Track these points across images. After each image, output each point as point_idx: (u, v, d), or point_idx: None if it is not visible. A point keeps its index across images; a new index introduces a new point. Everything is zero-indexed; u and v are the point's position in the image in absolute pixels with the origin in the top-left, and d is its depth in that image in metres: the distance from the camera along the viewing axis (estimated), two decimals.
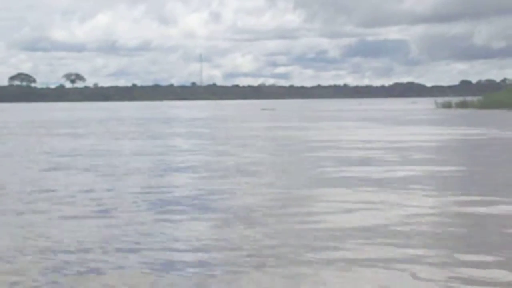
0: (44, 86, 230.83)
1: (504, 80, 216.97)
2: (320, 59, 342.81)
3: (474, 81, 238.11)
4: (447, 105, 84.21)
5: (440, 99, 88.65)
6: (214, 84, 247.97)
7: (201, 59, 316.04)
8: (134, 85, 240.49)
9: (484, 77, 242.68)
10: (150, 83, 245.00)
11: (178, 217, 11.33)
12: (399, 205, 12.30)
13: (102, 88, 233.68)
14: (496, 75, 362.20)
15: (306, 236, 9.61)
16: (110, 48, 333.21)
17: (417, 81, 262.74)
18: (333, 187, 14.92)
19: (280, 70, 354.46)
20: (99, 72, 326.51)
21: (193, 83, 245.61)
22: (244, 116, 70.29)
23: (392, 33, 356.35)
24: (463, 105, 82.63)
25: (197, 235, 9.76)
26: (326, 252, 8.63)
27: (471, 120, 50.62)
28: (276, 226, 10.41)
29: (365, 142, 28.61)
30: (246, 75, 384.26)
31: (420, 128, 40.34)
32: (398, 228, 10.11)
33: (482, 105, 79.03)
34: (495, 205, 12.21)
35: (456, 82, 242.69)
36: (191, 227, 10.46)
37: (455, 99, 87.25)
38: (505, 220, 10.85)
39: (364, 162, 20.20)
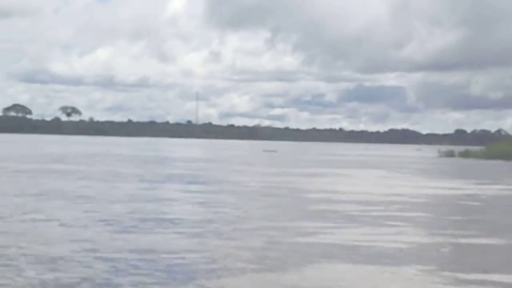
0: (39, 118, 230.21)
1: (499, 131, 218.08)
2: (316, 103, 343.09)
3: (469, 130, 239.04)
4: (450, 154, 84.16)
5: (444, 148, 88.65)
6: (210, 123, 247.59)
7: (197, 97, 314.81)
8: (129, 121, 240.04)
9: (479, 127, 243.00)
10: (146, 119, 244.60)
11: None
12: None
13: (98, 122, 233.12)
14: (491, 126, 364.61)
15: None
16: (108, 83, 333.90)
17: (412, 128, 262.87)
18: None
19: (276, 111, 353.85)
20: (95, 106, 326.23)
21: (189, 121, 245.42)
22: (248, 158, 69.85)
23: (390, 79, 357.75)
24: (465, 154, 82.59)
25: None
26: None
27: (480, 172, 50.15)
28: None
29: (391, 195, 28.05)
30: (242, 115, 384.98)
31: (439, 180, 37.62)
32: None
33: (485, 155, 79.01)
34: None
35: (451, 130, 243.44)
36: None
37: (457, 148, 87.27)
38: None
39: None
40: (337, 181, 33.82)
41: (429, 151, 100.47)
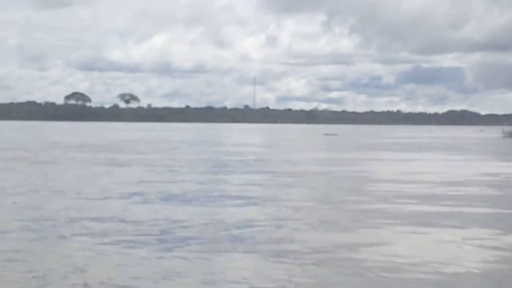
0: (98, 105, 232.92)
1: None
2: (374, 85, 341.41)
3: None
4: None
5: (507, 128, 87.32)
6: (267, 108, 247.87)
7: (254, 82, 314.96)
8: (187, 107, 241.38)
9: None
10: (203, 105, 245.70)
11: None
12: None
13: (156, 109, 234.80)
14: None
15: None
16: (165, 69, 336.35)
17: (471, 109, 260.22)
18: None
19: (333, 95, 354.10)
20: (153, 93, 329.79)
21: (246, 106, 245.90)
22: (311, 142, 69.78)
23: (448, 60, 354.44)
24: None
25: None
26: None
27: None
28: None
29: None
30: (299, 99, 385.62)
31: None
32: None
33: None
34: None
35: (511, 111, 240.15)
36: None
37: None
38: None
39: None
40: (409, 166, 33.13)
41: (492, 132, 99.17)
